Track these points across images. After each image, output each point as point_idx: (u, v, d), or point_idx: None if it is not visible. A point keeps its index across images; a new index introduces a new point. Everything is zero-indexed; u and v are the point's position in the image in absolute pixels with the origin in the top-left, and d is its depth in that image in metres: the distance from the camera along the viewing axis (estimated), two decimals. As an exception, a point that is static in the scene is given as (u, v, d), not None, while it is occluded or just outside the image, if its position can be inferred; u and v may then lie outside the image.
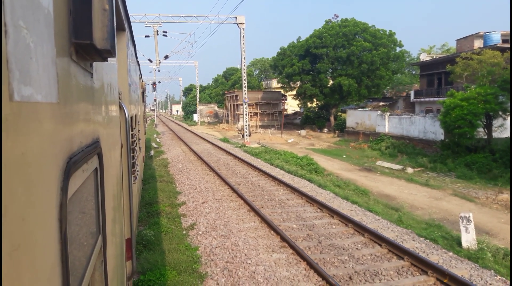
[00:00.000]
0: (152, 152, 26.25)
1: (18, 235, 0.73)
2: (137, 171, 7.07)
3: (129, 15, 5.68)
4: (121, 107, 3.98)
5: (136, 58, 8.92)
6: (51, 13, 1.02)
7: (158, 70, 55.98)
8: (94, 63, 1.69)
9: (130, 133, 4.82)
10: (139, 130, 8.90)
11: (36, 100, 0.87)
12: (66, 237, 1.05)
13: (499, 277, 7.87)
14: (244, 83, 33.47)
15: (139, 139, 9.09)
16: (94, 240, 1.67)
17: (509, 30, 33.94)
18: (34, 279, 0.81)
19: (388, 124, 34.90)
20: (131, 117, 5.50)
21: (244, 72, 33.66)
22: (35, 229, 0.83)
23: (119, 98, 3.59)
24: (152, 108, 77.86)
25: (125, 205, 4.23)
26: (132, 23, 6.79)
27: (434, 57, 43.81)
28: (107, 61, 1.70)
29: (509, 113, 22.42)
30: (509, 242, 10.53)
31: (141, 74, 13.16)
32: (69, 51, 1.23)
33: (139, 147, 9.06)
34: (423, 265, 7.92)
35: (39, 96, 0.88)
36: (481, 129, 23.30)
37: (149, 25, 31.49)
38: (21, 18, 0.78)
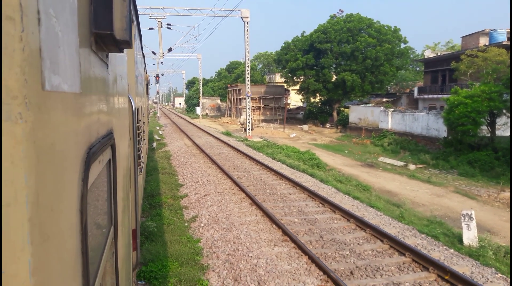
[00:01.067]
0: (154, 144, 26.29)
1: (48, 226, 0.73)
2: (142, 162, 7.10)
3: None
4: (128, 99, 3.99)
5: (142, 50, 8.92)
6: (75, 1, 1.01)
7: (162, 63, 55.88)
8: (109, 54, 1.69)
9: (137, 125, 4.83)
10: (144, 122, 8.91)
11: (63, 90, 0.87)
12: (87, 228, 1.06)
13: (500, 275, 7.88)
14: (248, 77, 33.40)
15: (144, 131, 9.11)
16: (107, 231, 1.68)
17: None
18: (60, 270, 0.82)
19: (391, 120, 34.83)
20: (137, 109, 5.51)
21: (248, 66, 33.58)
22: (61, 220, 0.84)
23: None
24: (155, 100, 77.20)
25: (131, 196, 4.25)
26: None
27: (439, 54, 43.62)
28: (122, 52, 1.70)
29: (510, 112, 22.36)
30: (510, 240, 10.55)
31: (145, 66, 13.15)
32: (90, 41, 1.23)
33: (144, 139, 9.08)
34: (424, 261, 7.94)
35: (65, 86, 0.89)
36: (484, 127, 23.24)
37: (153, 17, 31.42)
38: (51, 6, 0.78)
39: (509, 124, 23.47)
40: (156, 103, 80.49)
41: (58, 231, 0.81)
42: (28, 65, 0.63)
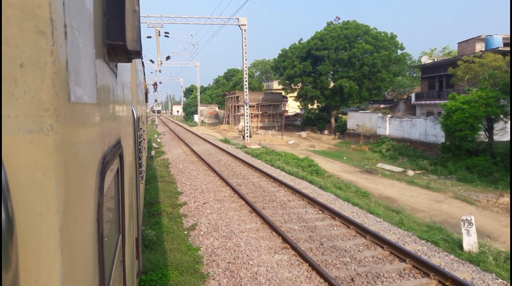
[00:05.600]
0: (153, 152, 26.25)
1: (74, 235, 0.75)
2: (144, 171, 7.11)
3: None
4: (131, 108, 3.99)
5: (141, 59, 8.96)
6: (91, 14, 1.03)
7: (160, 71, 56.04)
8: (118, 64, 1.70)
9: (138, 133, 4.84)
10: (144, 131, 8.93)
11: (84, 101, 0.88)
12: (103, 237, 1.07)
13: (501, 281, 7.88)
14: (245, 84, 33.49)
15: (144, 139, 9.13)
16: (116, 240, 1.69)
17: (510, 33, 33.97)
18: (83, 279, 0.83)
19: (389, 126, 34.92)
20: (138, 118, 5.53)
21: (246, 73, 33.69)
22: (84, 229, 0.85)
23: None
24: (155, 108, 75.75)
25: (134, 204, 4.25)
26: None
27: (436, 60, 43.83)
28: (131, 62, 1.72)
29: (510, 116, 22.45)
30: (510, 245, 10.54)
31: (144, 75, 13.19)
32: (103, 52, 1.24)
33: (144, 147, 9.09)
34: (425, 267, 7.94)
35: (85, 97, 0.90)
36: (482, 132, 23.32)
37: (151, 25, 31.54)
38: (74, 19, 0.80)
39: (506, 130, 23.58)
40: (158, 111, 78.22)
41: (82, 240, 0.82)
42: (57, 78, 0.65)
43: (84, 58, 0.89)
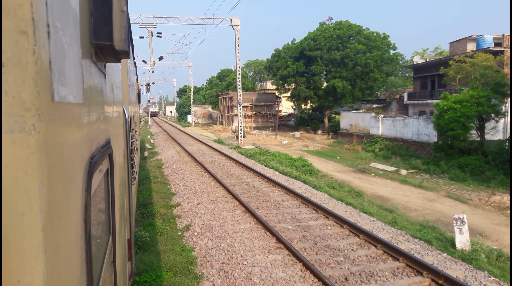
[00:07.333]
0: (146, 153, 26.15)
1: (59, 235, 0.74)
2: (136, 172, 7.08)
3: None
4: (122, 108, 3.98)
5: (133, 59, 8.93)
6: (77, 14, 1.03)
7: (152, 71, 55.89)
8: (107, 64, 1.70)
9: (130, 134, 4.82)
10: (136, 131, 8.90)
11: (69, 101, 0.88)
12: (90, 237, 1.06)
13: (493, 278, 7.95)
14: (239, 85, 33.48)
15: (136, 140, 9.10)
16: (106, 241, 1.68)
17: (502, 33, 34.27)
18: (69, 279, 0.82)
19: (381, 126, 35.06)
20: (130, 118, 5.50)
21: (239, 74, 33.68)
22: (69, 229, 0.84)
23: None
24: (150, 109, 74.77)
25: (126, 205, 4.24)
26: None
27: (428, 60, 44.13)
28: (120, 62, 1.71)
29: (501, 116, 22.63)
30: (502, 243, 10.64)
31: (137, 75, 13.16)
32: (90, 53, 1.24)
33: (136, 148, 9.06)
34: (418, 266, 7.99)
35: (71, 97, 0.90)
36: (474, 132, 23.50)
37: (144, 26, 31.45)
38: (58, 19, 0.80)
39: (497, 129, 23.78)
40: (149, 113, 77.40)
41: (67, 240, 0.82)
42: (40, 77, 0.65)
43: (69, 58, 0.89)
